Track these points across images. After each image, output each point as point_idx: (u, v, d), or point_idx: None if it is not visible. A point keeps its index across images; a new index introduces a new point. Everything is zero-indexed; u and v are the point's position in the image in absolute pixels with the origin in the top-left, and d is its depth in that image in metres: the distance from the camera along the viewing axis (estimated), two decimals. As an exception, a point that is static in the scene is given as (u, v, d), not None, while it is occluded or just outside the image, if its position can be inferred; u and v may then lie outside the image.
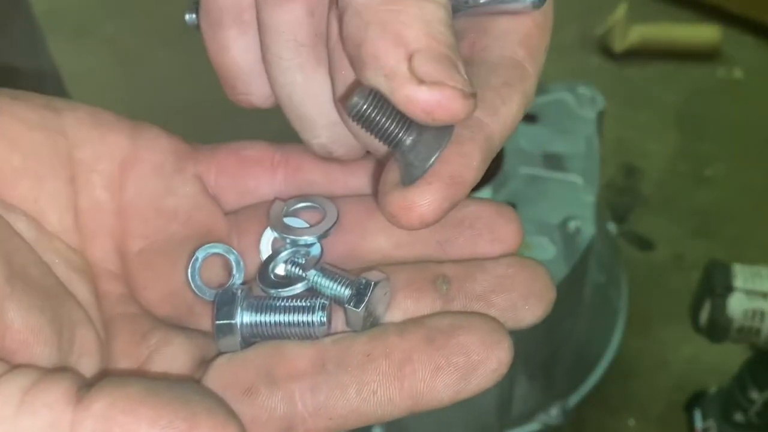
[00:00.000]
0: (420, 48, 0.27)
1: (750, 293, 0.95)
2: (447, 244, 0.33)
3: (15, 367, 0.26)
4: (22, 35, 0.69)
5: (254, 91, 0.34)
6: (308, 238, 0.33)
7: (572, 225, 0.96)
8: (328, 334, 0.31)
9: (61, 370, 0.27)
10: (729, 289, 0.95)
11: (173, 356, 0.31)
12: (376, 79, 0.28)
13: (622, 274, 1.24)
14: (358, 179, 0.35)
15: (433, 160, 0.28)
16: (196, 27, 0.34)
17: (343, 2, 0.29)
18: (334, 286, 0.32)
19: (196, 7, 0.34)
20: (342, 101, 0.32)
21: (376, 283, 0.31)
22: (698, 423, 1.07)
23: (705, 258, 1.17)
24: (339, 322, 0.32)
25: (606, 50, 1.61)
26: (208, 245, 0.33)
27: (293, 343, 0.31)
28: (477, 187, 1.10)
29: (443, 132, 0.28)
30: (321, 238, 0.33)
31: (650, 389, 1.18)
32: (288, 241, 0.33)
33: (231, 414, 0.25)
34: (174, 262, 0.33)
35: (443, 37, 0.28)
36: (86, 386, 0.25)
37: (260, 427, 0.29)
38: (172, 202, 0.34)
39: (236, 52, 0.33)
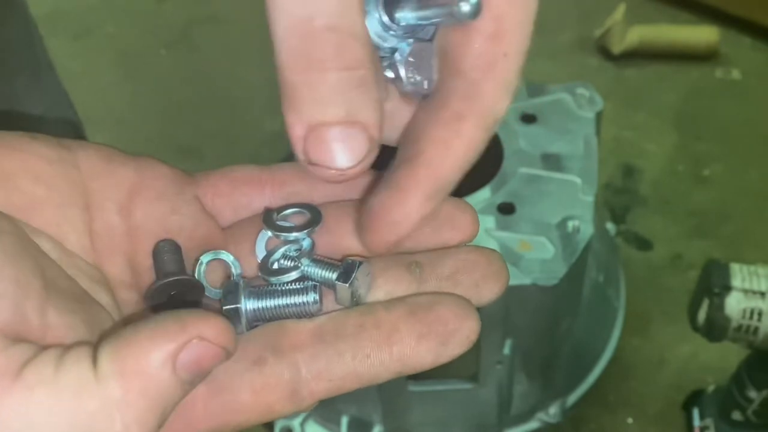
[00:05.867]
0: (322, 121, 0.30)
1: (748, 292, 0.95)
2: (415, 235, 0.37)
3: (43, 348, 0.30)
4: (17, 33, 0.69)
5: None
6: (299, 234, 0.37)
7: (571, 225, 0.96)
8: (320, 312, 0.35)
9: (77, 343, 0.32)
10: (727, 288, 0.95)
11: None
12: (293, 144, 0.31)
13: (620, 273, 1.25)
14: (335, 188, 0.39)
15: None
16: None
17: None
18: (324, 272, 0.36)
19: None
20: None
21: (360, 263, 0.35)
22: (696, 421, 1.08)
23: (703, 257, 1.17)
24: (329, 305, 0.36)
25: (604, 51, 1.62)
26: (211, 252, 0.38)
27: (294, 321, 0.35)
28: (476, 188, 1.09)
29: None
30: (310, 233, 0.38)
31: (648, 388, 1.18)
32: (281, 238, 0.37)
33: (219, 315, 0.30)
34: None
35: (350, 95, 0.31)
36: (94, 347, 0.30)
37: (270, 390, 0.33)
38: (176, 220, 0.38)
39: None
